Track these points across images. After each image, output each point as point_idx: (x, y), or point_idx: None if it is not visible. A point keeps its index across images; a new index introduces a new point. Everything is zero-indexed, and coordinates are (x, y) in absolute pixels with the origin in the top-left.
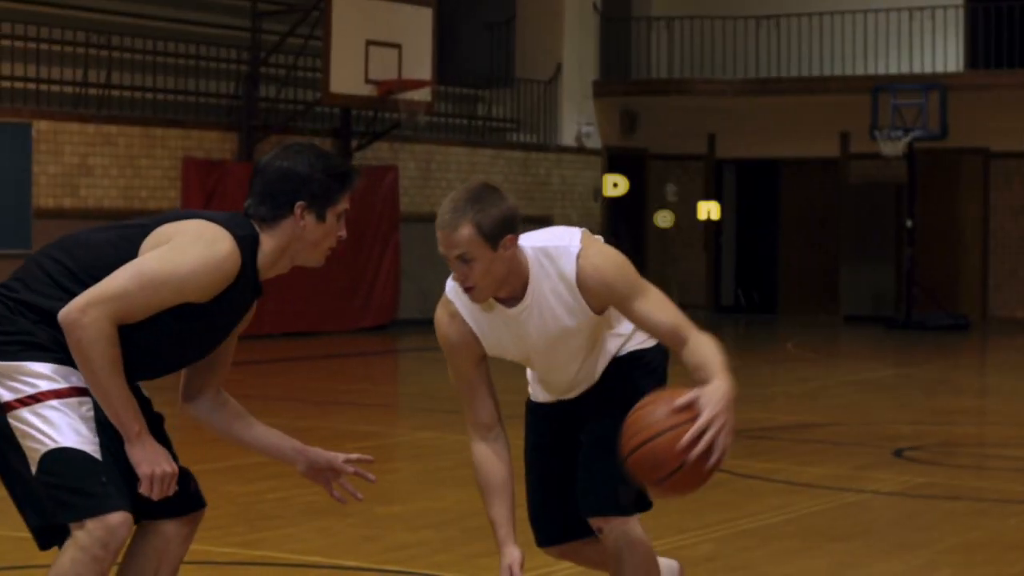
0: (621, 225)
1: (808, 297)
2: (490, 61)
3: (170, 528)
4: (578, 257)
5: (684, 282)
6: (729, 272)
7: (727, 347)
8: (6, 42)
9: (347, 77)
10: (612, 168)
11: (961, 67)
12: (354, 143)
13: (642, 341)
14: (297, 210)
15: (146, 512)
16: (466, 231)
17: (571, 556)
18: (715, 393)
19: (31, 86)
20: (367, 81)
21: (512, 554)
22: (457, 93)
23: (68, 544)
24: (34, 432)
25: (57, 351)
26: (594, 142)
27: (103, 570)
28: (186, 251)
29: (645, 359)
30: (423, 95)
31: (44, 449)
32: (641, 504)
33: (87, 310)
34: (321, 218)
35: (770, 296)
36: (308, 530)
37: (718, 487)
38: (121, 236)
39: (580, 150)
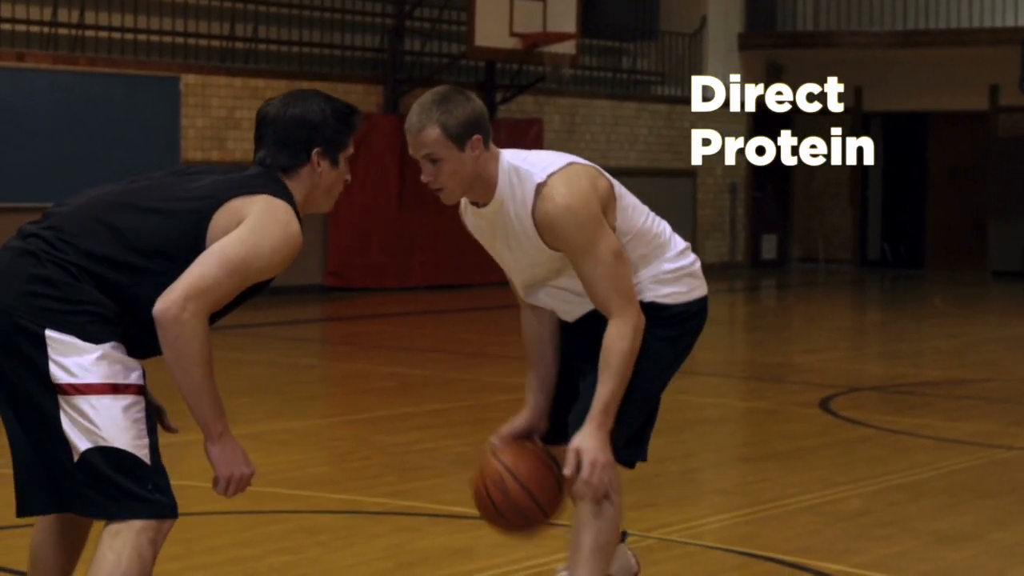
0: (767, 179)
1: (956, 252)
2: (635, 14)
3: None
4: (538, 189)
5: (830, 236)
6: (875, 226)
7: (874, 302)
8: None
9: (492, 30)
10: (757, 121)
11: None
12: (499, 96)
13: (667, 294)
14: (314, 157)
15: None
16: (432, 132)
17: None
18: (588, 454)
19: (179, 40)
20: (512, 34)
21: (518, 417)
22: (602, 46)
23: (114, 537)
24: (84, 423)
25: (120, 324)
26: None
27: (147, 567)
28: (265, 234)
29: (664, 313)
30: (568, 48)
31: (90, 444)
32: (625, 455)
33: (186, 305)
34: (335, 163)
35: (917, 251)
36: (457, 480)
37: (867, 443)
38: (182, 206)
39: (725, 103)
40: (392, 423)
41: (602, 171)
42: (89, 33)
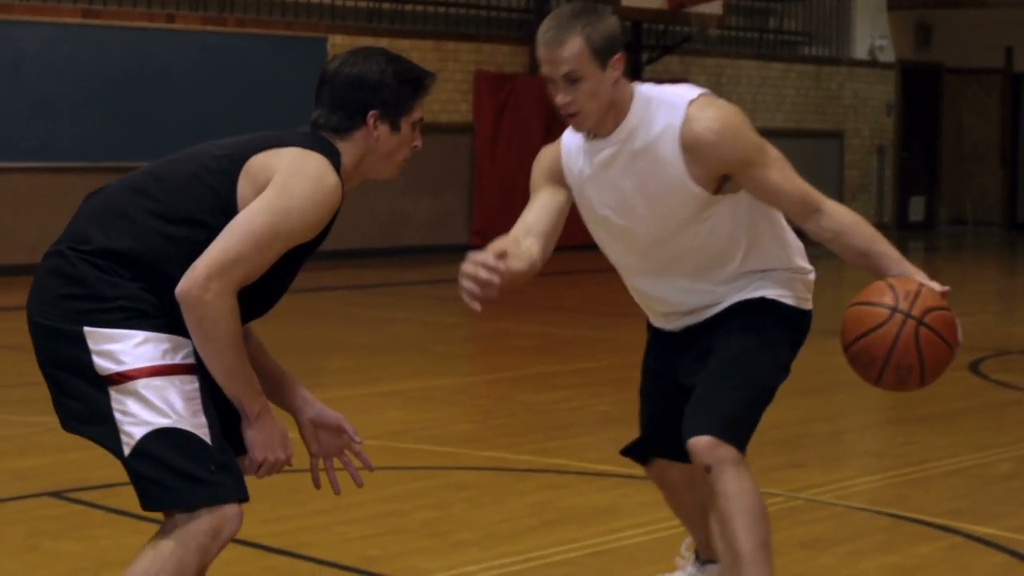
0: (915, 140)
1: None
2: None
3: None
4: (688, 107)
5: (978, 199)
6: None
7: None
8: None
9: None
10: (906, 82)
11: None
12: (644, 57)
13: (791, 296)
14: (370, 120)
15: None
16: (575, 45)
17: (660, 478)
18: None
19: (327, 1)
20: None
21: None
22: (748, 6)
23: (172, 528)
24: (137, 408)
25: (159, 316)
26: (887, 55)
27: (207, 561)
28: (293, 193)
29: (792, 315)
30: (714, 8)
31: (146, 430)
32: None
33: (208, 284)
34: (396, 128)
35: None
36: (603, 439)
37: (1018, 406)
38: (207, 169)
39: (873, 64)
40: (536, 382)
41: None
42: None
